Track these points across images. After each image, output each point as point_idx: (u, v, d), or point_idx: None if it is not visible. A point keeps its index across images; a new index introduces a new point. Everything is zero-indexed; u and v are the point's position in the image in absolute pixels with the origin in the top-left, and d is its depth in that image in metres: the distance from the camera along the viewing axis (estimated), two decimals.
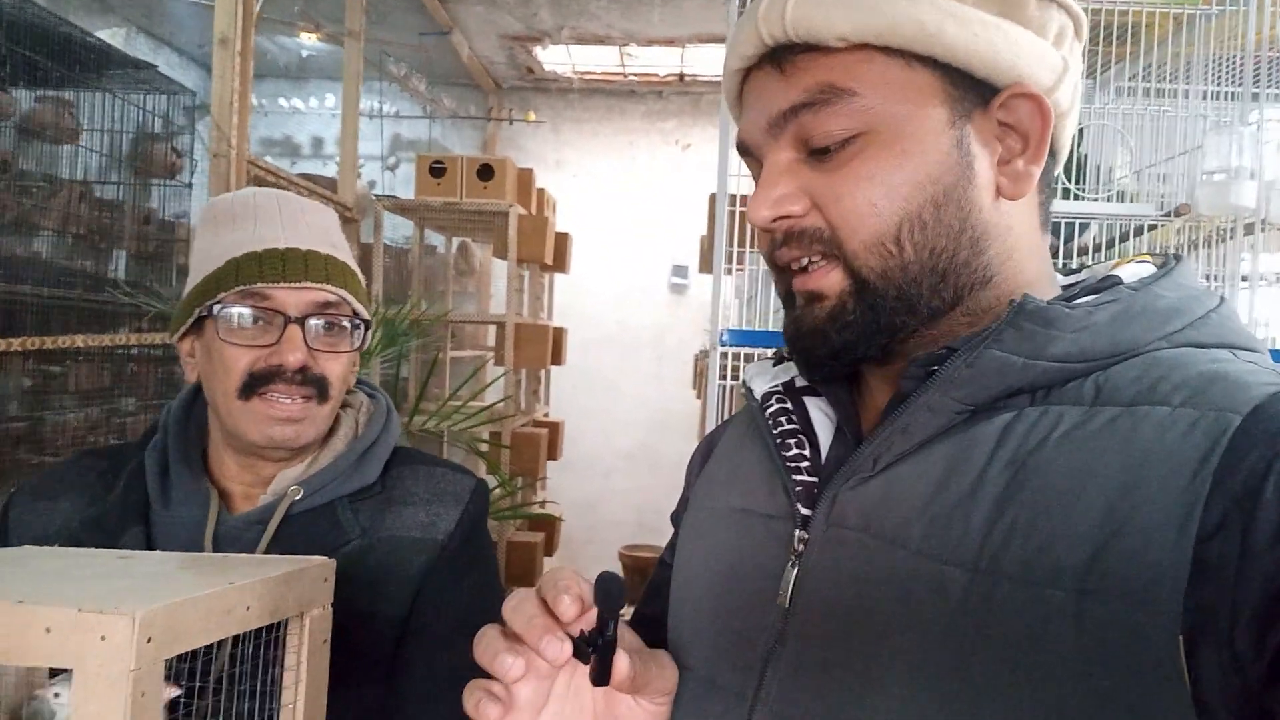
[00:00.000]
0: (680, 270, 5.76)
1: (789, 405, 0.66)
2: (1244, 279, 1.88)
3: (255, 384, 0.97)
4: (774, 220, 0.59)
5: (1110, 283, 0.57)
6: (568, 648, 0.52)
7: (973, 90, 0.57)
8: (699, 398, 3.54)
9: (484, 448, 3.58)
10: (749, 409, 0.72)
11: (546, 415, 5.05)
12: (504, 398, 3.85)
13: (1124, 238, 1.96)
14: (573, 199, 5.68)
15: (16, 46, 2.47)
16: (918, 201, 0.56)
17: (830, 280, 0.58)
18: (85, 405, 2.92)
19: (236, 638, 0.80)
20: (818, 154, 0.57)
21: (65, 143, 2.91)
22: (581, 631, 0.54)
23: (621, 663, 0.55)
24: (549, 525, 4.38)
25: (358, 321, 1.04)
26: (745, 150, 0.63)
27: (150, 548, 0.97)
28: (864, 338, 0.58)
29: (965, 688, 0.47)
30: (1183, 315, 0.54)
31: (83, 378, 2.93)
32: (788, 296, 0.62)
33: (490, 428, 3.74)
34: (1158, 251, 0.63)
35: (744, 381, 0.72)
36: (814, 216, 0.58)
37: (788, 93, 0.58)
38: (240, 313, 0.97)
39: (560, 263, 4.81)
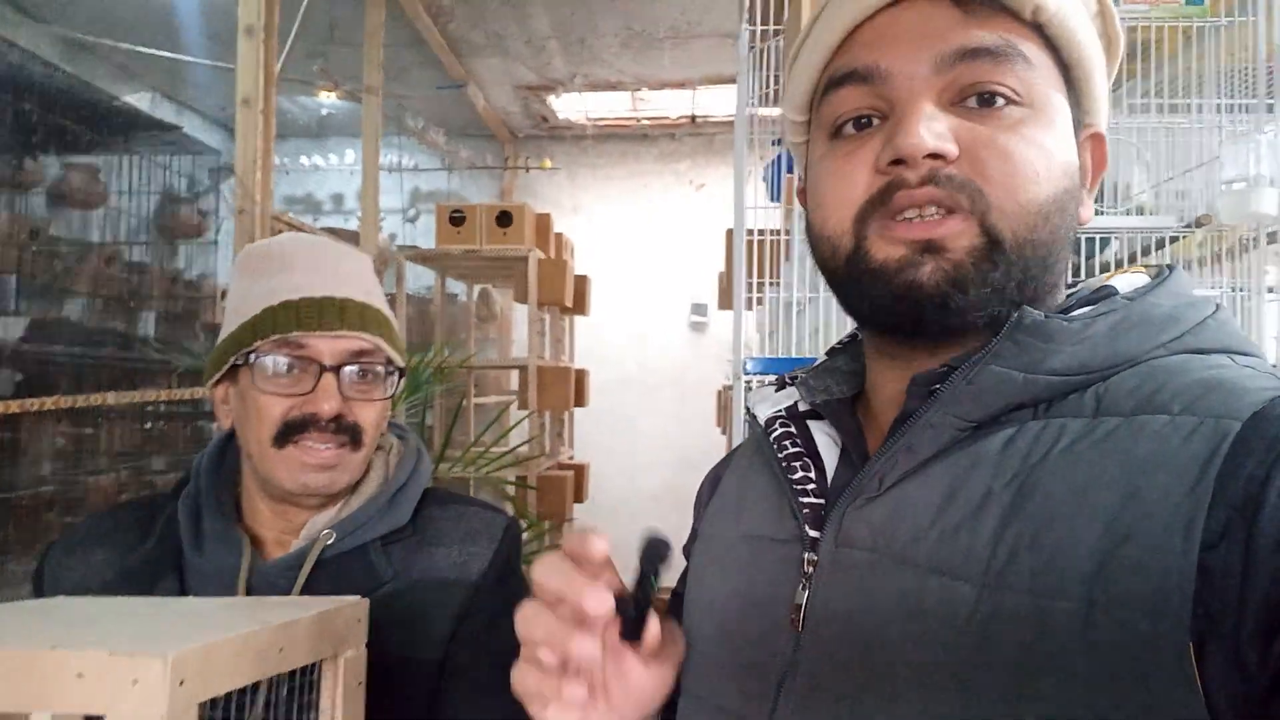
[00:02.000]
0: (699, 308, 5.77)
1: (793, 429, 0.65)
2: (1270, 290, 1.85)
3: (290, 432, 0.97)
4: (928, 155, 0.53)
5: (1105, 293, 0.57)
6: (609, 599, 0.54)
7: (1075, 115, 0.59)
8: (724, 433, 3.53)
9: (510, 490, 3.58)
10: (754, 436, 0.72)
11: (571, 458, 5.05)
12: (529, 439, 3.85)
13: (1145, 252, 1.95)
14: (590, 243, 5.73)
15: (49, 113, 2.54)
16: (1063, 186, 0.55)
17: (956, 233, 0.54)
18: (116, 466, 2.94)
19: (269, 682, 0.79)
20: (982, 104, 0.54)
21: (93, 207, 2.98)
22: (621, 588, 0.56)
23: (654, 622, 0.57)
24: None
25: (392, 368, 1.04)
26: (863, 77, 0.57)
27: (184, 595, 0.97)
28: (991, 299, 0.54)
29: (976, 702, 0.47)
30: (1180, 323, 0.54)
31: (114, 438, 2.96)
32: (858, 254, 0.56)
33: (516, 471, 3.73)
34: (1159, 264, 0.64)
35: (747, 408, 0.72)
36: (963, 165, 0.54)
37: (970, 31, 0.55)
38: (275, 361, 0.98)
39: (580, 305, 4.84)
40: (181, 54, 4.47)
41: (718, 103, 5.48)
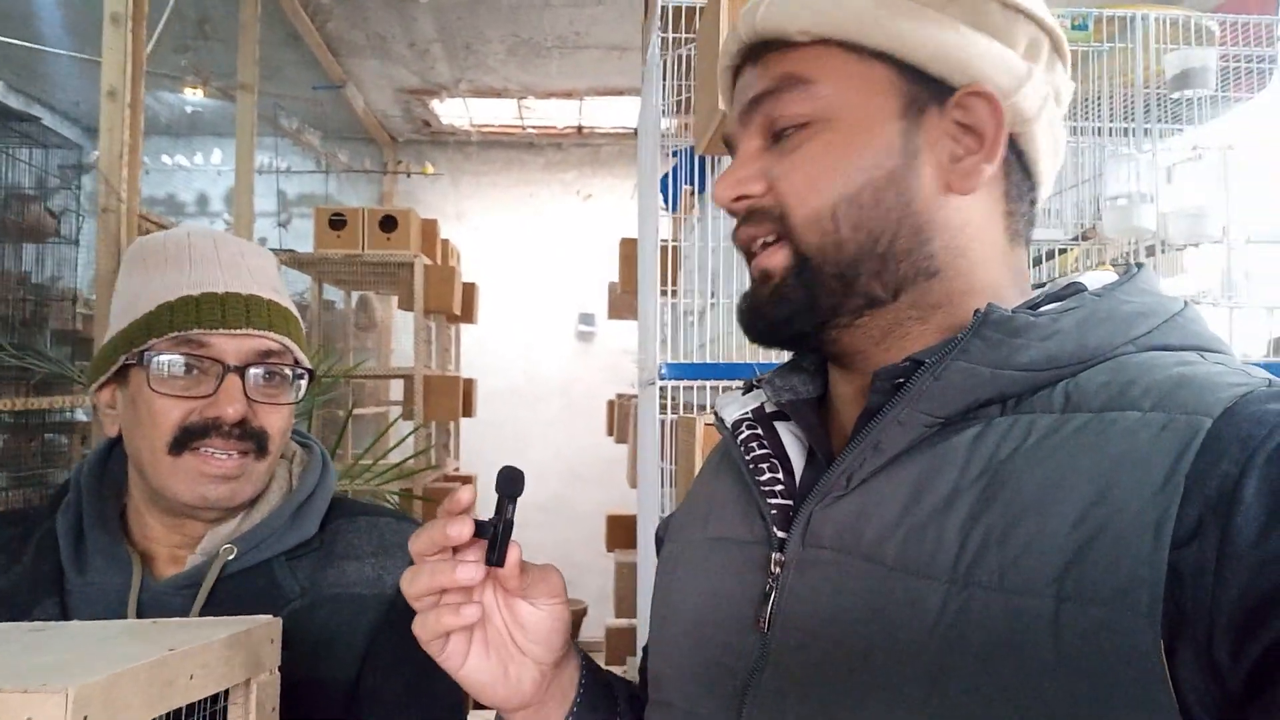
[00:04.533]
0: (587, 318, 5.76)
1: (760, 431, 0.65)
2: None
3: (188, 438, 0.89)
4: (735, 200, 0.61)
5: (1074, 289, 0.57)
6: (469, 526, 0.60)
7: (930, 88, 0.58)
8: (619, 442, 3.50)
9: (396, 502, 3.45)
10: (721, 442, 0.72)
11: (458, 469, 4.93)
12: (416, 453, 3.73)
13: (1036, 262, 2.04)
14: (475, 251, 5.63)
15: None
16: (857, 183, 0.57)
17: (777, 259, 0.60)
18: None
19: (175, 712, 0.72)
20: (778, 138, 0.60)
21: None
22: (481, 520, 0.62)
23: (514, 551, 0.62)
24: None
25: (300, 370, 0.98)
26: (730, 144, 0.66)
27: (66, 620, 0.88)
28: (798, 314, 0.59)
29: (945, 701, 0.46)
30: (1149, 319, 0.54)
31: None
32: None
33: (401, 484, 3.61)
34: (1127, 262, 0.65)
35: (714, 411, 0.71)
36: (770, 196, 0.60)
37: (756, 84, 0.61)
38: (173, 361, 0.89)
39: (468, 313, 4.74)
40: (35, 44, 4.16)
41: (605, 114, 5.49)
